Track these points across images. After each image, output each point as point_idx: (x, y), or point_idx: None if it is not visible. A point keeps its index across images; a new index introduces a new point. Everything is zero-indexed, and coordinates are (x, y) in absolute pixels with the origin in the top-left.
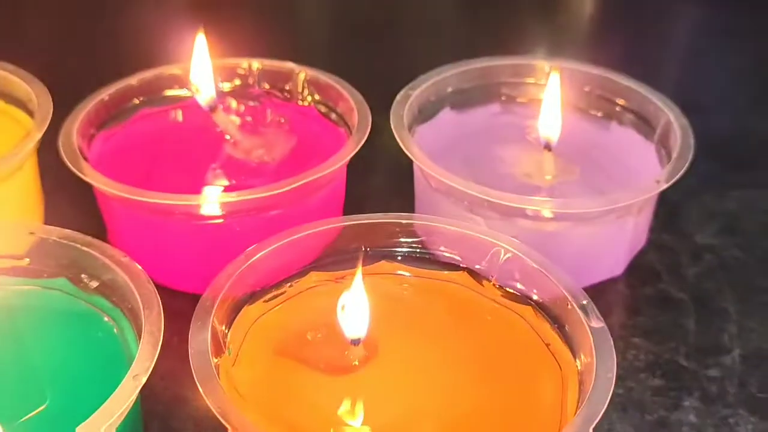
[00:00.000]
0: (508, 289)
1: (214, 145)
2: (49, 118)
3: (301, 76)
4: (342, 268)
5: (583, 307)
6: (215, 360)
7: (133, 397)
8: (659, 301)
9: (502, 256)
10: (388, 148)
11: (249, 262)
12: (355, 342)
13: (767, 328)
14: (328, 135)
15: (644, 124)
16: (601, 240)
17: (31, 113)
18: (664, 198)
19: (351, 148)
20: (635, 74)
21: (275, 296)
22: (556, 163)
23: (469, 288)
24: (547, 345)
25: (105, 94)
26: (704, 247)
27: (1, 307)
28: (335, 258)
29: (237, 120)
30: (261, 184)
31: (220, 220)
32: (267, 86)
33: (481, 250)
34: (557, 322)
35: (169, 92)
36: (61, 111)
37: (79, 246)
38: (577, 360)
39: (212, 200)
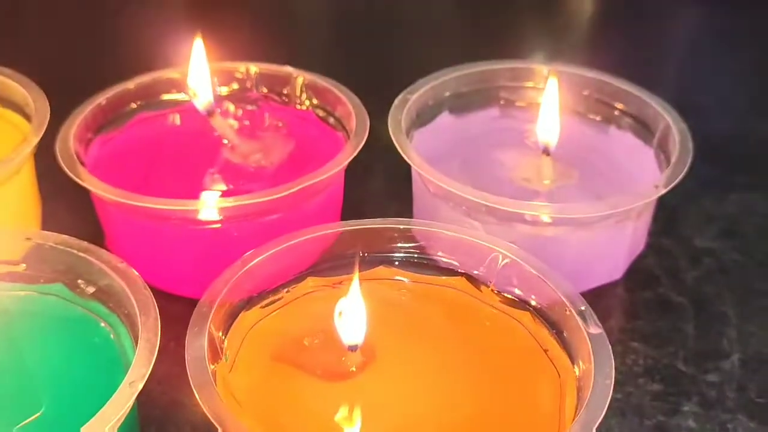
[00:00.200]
0: (506, 294)
1: (211, 150)
2: (47, 123)
3: (299, 80)
4: (339, 274)
5: (581, 313)
6: (212, 366)
7: (130, 403)
8: (658, 305)
9: (500, 262)
10: (386, 153)
11: (246, 267)
12: (353, 348)
13: (767, 332)
14: (326, 139)
15: (643, 128)
16: (600, 244)
17: (28, 117)
18: (663, 202)
19: (349, 153)
20: (634, 76)
21: (272, 302)
22: (555, 167)
23: (467, 293)
24: (546, 351)
25: (102, 98)
26: (703, 251)
27: None
28: (332, 263)
29: (235, 124)
30: (259, 188)
31: (218, 225)
32: (265, 90)
33: (480, 255)
34: (555, 328)
35: (166, 96)
36: (59, 115)
37: (75, 251)
38: (576, 366)
39: (210, 205)
